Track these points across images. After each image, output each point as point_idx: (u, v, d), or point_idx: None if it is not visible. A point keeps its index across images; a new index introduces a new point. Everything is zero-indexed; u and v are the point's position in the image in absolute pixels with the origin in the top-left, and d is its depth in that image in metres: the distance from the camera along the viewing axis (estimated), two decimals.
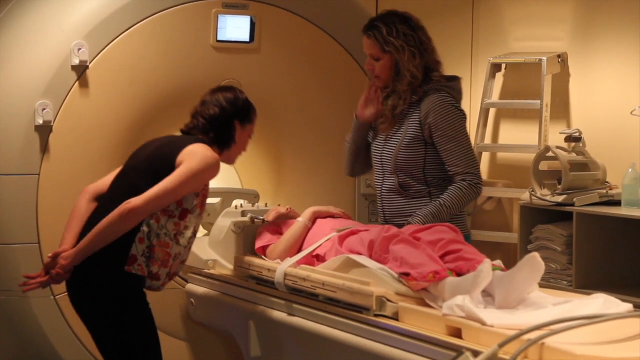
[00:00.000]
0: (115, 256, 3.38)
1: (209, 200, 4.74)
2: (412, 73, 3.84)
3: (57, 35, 4.33)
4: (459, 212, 3.89)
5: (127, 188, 3.45)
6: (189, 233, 3.50)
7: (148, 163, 3.49)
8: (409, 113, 3.88)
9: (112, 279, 3.40)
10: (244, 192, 4.88)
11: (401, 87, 3.85)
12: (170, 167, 3.42)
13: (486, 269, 3.02)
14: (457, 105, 3.87)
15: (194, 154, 3.44)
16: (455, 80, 3.93)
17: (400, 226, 3.74)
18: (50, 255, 3.46)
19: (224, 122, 3.62)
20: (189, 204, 3.47)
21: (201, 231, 4.92)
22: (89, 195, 3.60)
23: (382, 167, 3.95)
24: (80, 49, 4.31)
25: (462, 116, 3.87)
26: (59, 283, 3.46)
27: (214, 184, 4.23)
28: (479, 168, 3.91)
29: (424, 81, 3.86)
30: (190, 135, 3.61)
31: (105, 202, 3.49)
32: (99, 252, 3.37)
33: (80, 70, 4.34)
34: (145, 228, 3.40)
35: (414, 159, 3.86)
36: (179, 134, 3.66)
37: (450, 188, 3.84)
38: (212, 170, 3.47)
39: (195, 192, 3.48)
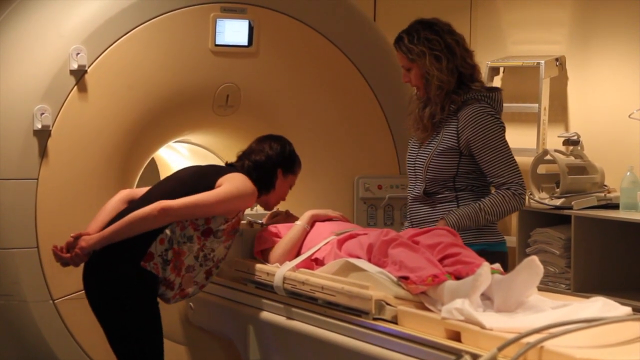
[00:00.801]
0: (133, 250, 3.50)
1: None
2: (438, 77, 3.76)
3: (55, 39, 4.33)
4: (497, 219, 3.79)
5: (162, 194, 3.58)
6: (203, 253, 3.59)
7: (188, 177, 3.67)
8: (446, 122, 3.80)
9: (127, 271, 3.51)
10: None
11: (432, 93, 3.79)
12: (209, 186, 3.57)
13: (485, 273, 3.02)
14: (496, 115, 3.77)
15: (235, 179, 3.62)
16: (495, 91, 3.85)
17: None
18: (72, 235, 3.58)
19: (268, 168, 3.80)
20: (215, 225, 3.59)
21: None
22: (123, 196, 3.77)
23: (415, 173, 3.91)
24: (78, 54, 4.31)
25: (502, 126, 3.77)
26: (77, 264, 3.57)
27: None
28: (523, 179, 3.77)
29: (462, 90, 3.79)
30: (234, 167, 3.78)
31: (137, 204, 3.60)
32: (118, 244, 3.49)
33: (79, 74, 4.34)
34: (168, 231, 3.52)
35: (446, 168, 3.79)
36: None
37: (492, 194, 3.78)
38: (249, 198, 3.65)
39: (226, 215, 3.60)
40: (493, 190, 3.83)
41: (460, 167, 3.79)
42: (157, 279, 3.54)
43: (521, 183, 3.74)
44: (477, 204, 3.74)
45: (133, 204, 3.66)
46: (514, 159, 3.77)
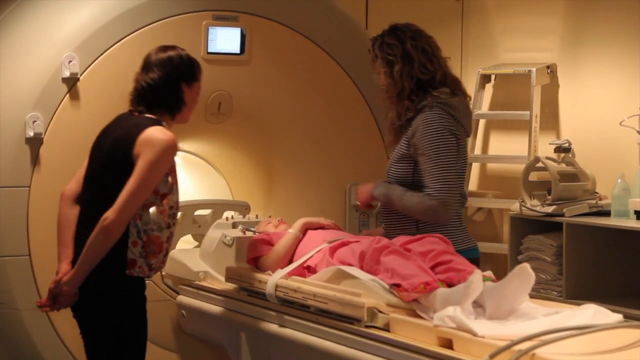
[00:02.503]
0: (114, 262, 3.41)
1: (200, 212, 4.75)
2: (400, 82, 3.74)
3: (47, 47, 4.33)
4: (405, 212, 3.73)
5: (100, 191, 3.44)
6: (173, 211, 3.50)
7: (110, 162, 3.45)
8: (405, 128, 3.78)
9: (114, 285, 3.43)
10: (234, 204, 4.89)
11: (394, 98, 3.78)
12: (130, 163, 3.39)
13: (477, 280, 3.02)
14: (447, 121, 3.68)
15: (149, 144, 3.39)
16: (455, 95, 3.76)
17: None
18: (51, 284, 3.46)
19: (170, 89, 3.53)
20: (165, 188, 3.47)
21: (192, 242, 4.93)
22: (69, 200, 3.57)
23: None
24: (70, 61, 4.31)
25: (446, 135, 3.67)
26: (71, 305, 3.47)
27: (205, 196, 4.25)
28: (449, 196, 3.64)
29: (418, 97, 3.74)
30: (139, 114, 3.53)
31: (87, 205, 3.49)
32: (99, 263, 3.39)
33: (71, 82, 4.34)
34: (132, 229, 3.42)
35: (403, 175, 3.76)
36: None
37: (420, 194, 3.68)
38: (170, 153, 3.42)
39: (164, 175, 3.45)
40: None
41: (415, 175, 3.74)
42: (144, 278, 3.50)
43: (443, 199, 3.63)
44: (404, 192, 3.71)
45: (81, 202, 3.52)
46: (448, 173, 3.66)
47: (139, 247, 3.43)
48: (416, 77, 3.74)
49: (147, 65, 3.56)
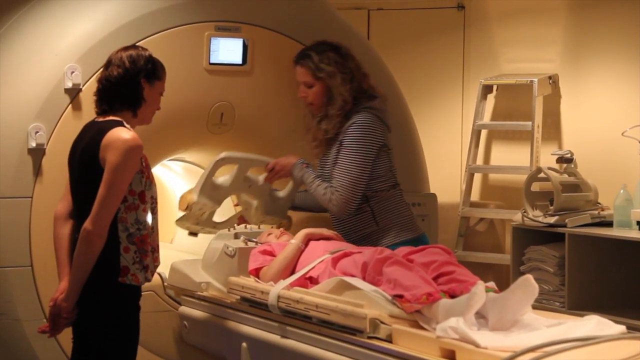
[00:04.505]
0: (106, 270, 3.41)
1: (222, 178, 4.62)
2: (344, 97, 4.02)
3: (50, 58, 4.33)
4: (308, 190, 4.10)
5: (82, 203, 3.46)
6: (153, 205, 3.52)
7: (84, 173, 3.48)
8: (338, 136, 4.03)
9: (107, 293, 3.43)
10: (260, 160, 4.55)
11: (333, 111, 4.03)
12: (100, 168, 3.40)
13: (479, 291, 3.02)
14: (372, 121, 3.99)
15: (111, 146, 3.40)
16: (374, 99, 4.06)
17: (353, 243, 3.96)
18: (50, 303, 3.50)
19: (129, 82, 3.55)
20: (141, 185, 3.48)
21: (195, 251, 4.91)
22: (61, 220, 3.59)
23: None
24: (73, 72, 4.31)
25: (367, 134, 3.98)
26: (73, 322, 3.48)
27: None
28: (349, 193, 3.96)
29: (355, 108, 4.02)
30: (104, 116, 3.54)
31: (76, 219, 3.51)
32: (92, 271, 3.40)
33: (73, 93, 4.34)
34: (122, 234, 3.43)
35: None
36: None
37: (325, 183, 4.03)
38: (133, 152, 3.42)
39: (135, 173, 3.45)
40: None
41: None
42: (139, 288, 3.50)
43: (344, 195, 3.96)
44: (314, 179, 4.06)
45: (75, 217, 3.53)
46: (356, 170, 3.96)
47: (131, 252, 3.44)
48: (356, 91, 4.05)
49: (107, 64, 3.59)
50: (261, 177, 4.38)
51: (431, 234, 4.65)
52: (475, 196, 5.52)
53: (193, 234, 4.43)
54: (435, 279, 3.30)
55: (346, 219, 4.10)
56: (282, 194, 4.43)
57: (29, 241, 4.27)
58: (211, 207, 4.38)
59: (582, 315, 3.17)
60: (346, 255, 3.67)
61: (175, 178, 5.41)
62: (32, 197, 4.27)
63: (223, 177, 4.37)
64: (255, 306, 3.86)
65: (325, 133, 4.06)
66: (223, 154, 4.33)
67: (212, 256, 4.23)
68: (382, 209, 4.07)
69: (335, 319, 3.37)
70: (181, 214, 4.39)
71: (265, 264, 3.93)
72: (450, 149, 5.83)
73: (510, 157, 5.38)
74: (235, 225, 4.39)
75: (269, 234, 4.21)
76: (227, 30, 4.66)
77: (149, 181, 3.51)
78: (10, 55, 4.36)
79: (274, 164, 4.27)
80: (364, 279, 3.45)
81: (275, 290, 3.68)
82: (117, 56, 3.58)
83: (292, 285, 3.70)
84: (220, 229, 4.42)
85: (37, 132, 4.26)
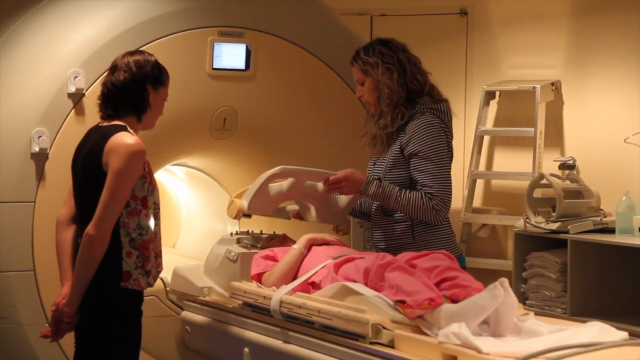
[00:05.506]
0: (109, 275, 3.41)
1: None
2: (389, 87, 3.87)
3: (53, 63, 4.34)
4: (402, 213, 3.84)
5: (85, 207, 3.45)
6: (156, 210, 3.52)
7: (87, 177, 3.47)
8: (397, 136, 3.91)
9: (109, 298, 3.43)
10: (320, 173, 4.27)
11: (384, 105, 3.90)
12: (103, 173, 3.40)
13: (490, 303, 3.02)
14: (440, 125, 3.85)
15: (114, 151, 3.40)
16: (441, 102, 3.92)
17: (388, 250, 3.82)
18: (52, 307, 3.50)
19: (136, 88, 3.54)
20: (143, 191, 3.47)
21: (198, 256, 4.92)
22: (63, 225, 3.58)
23: None
24: (76, 77, 4.32)
25: (443, 137, 3.84)
26: (75, 327, 3.48)
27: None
28: (449, 196, 3.80)
29: (410, 105, 3.89)
30: (108, 121, 3.53)
31: (79, 224, 3.50)
32: (95, 276, 3.40)
33: (77, 97, 4.35)
34: (124, 239, 3.43)
35: (400, 182, 3.87)
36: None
37: (417, 193, 3.79)
38: (136, 157, 3.41)
39: (138, 179, 3.45)
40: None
41: (411, 180, 3.87)
42: (141, 293, 3.50)
43: (444, 199, 3.79)
44: (400, 190, 3.81)
45: (78, 223, 3.53)
46: (447, 173, 3.83)
47: (133, 257, 3.44)
48: (407, 87, 3.90)
49: (113, 68, 3.58)
50: (319, 185, 4.13)
51: None
52: (477, 202, 5.52)
53: (247, 215, 4.15)
54: (438, 284, 3.30)
55: (388, 226, 3.95)
56: (341, 202, 4.22)
57: (31, 246, 4.27)
58: (262, 215, 4.23)
59: (584, 322, 3.17)
60: (348, 260, 3.67)
61: (177, 183, 5.41)
62: (34, 202, 4.28)
63: (278, 184, 4.14)
64: (257, 311, 3.86)
65: (385, 128, 3.89)
66: (278, 168, 4.08)
67: (214, 261, 4.23)
68: (420, 222, 3.87)
69: (337, 324, 3.37)
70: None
71: (267, 269, 3.93)
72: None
73: (513, 163, 5.37)
74: (290, 217, 4.31)
75: (272, 239, 4.22)
76: (230, 35, 4.67)
77: (152, 187, 3.52)
78: (14, 60, 4.37)
79: (341, 179, 3.95)
80: (366, 284, 3.45)
81: (278, 295, 3.68)
82: (123, 61, 3.56)
83: (294, 290, 3.70)
84: (275, 217, 4.31)
85: (40, 136, 4.26)
